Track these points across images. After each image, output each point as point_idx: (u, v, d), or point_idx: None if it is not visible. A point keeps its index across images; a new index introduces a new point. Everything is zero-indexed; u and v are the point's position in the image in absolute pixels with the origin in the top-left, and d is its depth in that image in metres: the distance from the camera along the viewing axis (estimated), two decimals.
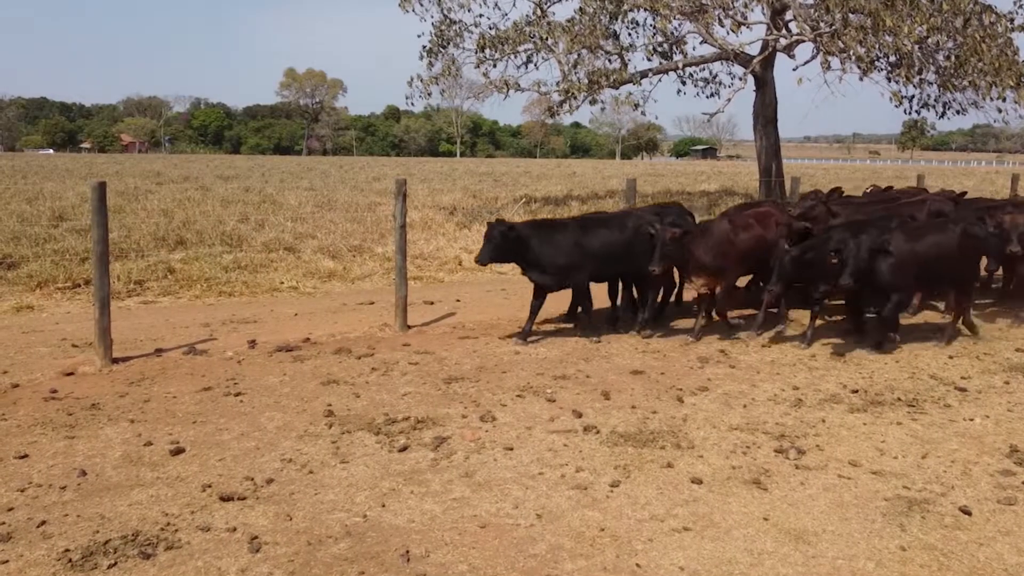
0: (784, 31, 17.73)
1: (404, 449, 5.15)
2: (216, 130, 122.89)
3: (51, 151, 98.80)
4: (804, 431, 5.60)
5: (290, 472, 4.79)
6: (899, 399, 6.34)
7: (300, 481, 4.66)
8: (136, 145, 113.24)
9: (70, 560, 3.73)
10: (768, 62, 18.69)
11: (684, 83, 21.10)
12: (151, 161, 61.45)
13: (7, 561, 3.73)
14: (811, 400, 6.30)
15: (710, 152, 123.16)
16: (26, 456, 4.97)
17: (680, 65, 19.67)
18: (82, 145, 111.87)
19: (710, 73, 21.23)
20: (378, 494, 4.50)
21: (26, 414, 5.74)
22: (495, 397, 6.26)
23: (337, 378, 6.70)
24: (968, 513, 4.37)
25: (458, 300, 10.47)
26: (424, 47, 20.32)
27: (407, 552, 3.85)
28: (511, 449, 5.18)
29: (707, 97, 21.40)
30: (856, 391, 6.54)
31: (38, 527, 4.06)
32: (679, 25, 18.95)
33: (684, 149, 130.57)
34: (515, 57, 19.39)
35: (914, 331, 8.64)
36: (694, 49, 20.12)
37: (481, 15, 20.23)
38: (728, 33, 17.90)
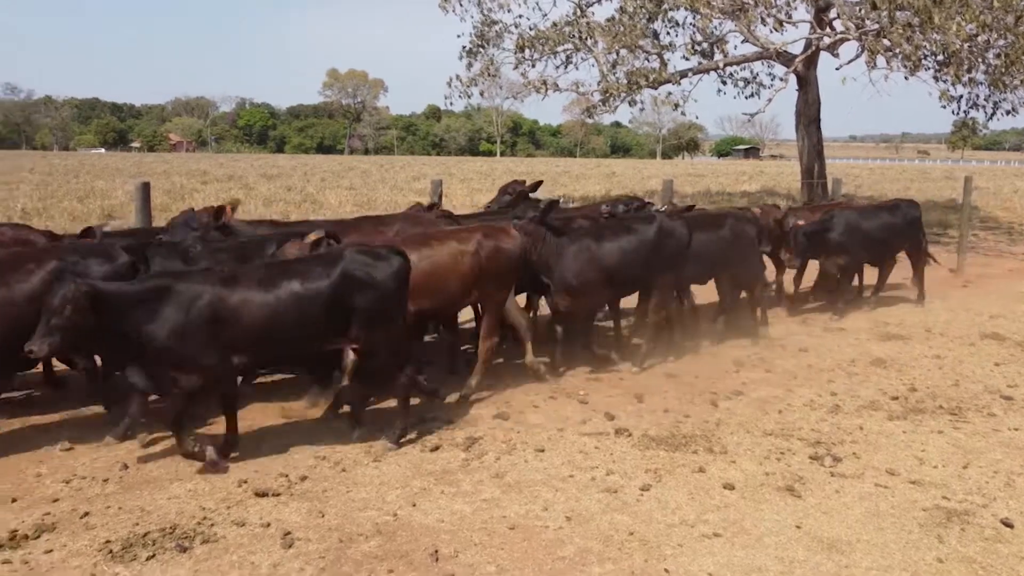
0: (828, 29, 17.42)
1: (436, 449, 5.20)
2: (261, 130, 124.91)
3: (102, 150, 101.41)
4: (841, 438, 5.51)
5: (323, 469, 4.87)
6: (941, 407, 6.20)
7: (333, 479, 4.74)
8: (183, 144, 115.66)
9: (111, 551, 3.84)
10: (811, 61, 18.37)
11: (724, 83, 20.81)
12: (197, 160, 62.75)
13: (51, 551, 3.86)
14: (849, 406, 6.19)
15: (752, 152, 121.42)
16: (71, 449, 5.13)
17: (720, 65, 19.41)
18: (132, 144, 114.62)
19: (751, 73, 20.89)
20: (409, 493, 4.55)
21: (69, 406, 5.92)
22: (527, 398, 6.27)
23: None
24: (1010, 526, 4.26)
25: None
26: (464, 47, 20.40)
27: (436, 551, 3.89)
28: (542, 451, 5.19)
29: (747, 97, 21.05)
30: (896, 398, 6.41)
31: (81, 518, 4.19)
32: (720, 24, 18.72)
33: (726, 149, 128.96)
34: (554, 57, 19.35)
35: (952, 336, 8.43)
36: (735, 48, 19.74)
37: (521, 15, 20.20)
38: (770, 32, 17.64)
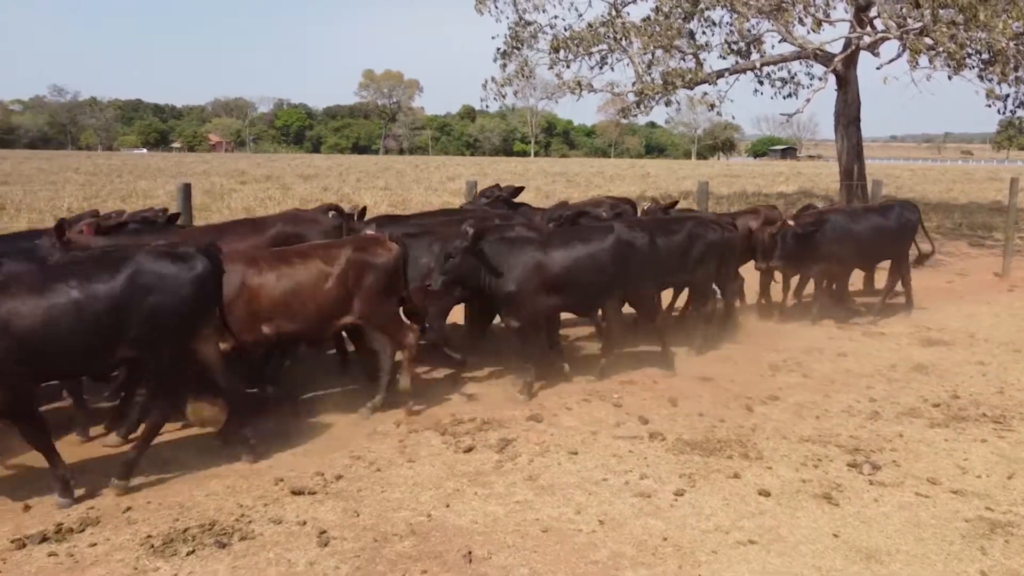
0: (868, 28, 17.12)
1: (469, 450, 5.22)
2: (298, 130, 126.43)
3: (144, 150, 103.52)
4: (880, 445, 5.41)
5: (358, 469, 4.92)
6: (984, 415, 6.06)
7: (368, 478, 4.78)
8: (222, 144, 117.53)
9: (152, 546, 3.93)
10: (851, 60, 18.07)
11: (761, 83, 20.57)
12: (236, 160, 63.73)
13: (96, 544, 3.96)
14: (888, 413, 6.09)
15: (789, 152, 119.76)
16: (113, 446, 5.24)
17: (757, 64, 19.18)
18: (173, 144, 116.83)
19: (789, 72, 20.61)
20: (443, 494, 4.57)
21: None
22: (561, 400, 6.26)
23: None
24: None
25: None
26: (498, 49, 20.43)
27: (469, 553, 3.91)
28: (575, 453, 5.19)
29: (785, 97, 20.78)
30: (938, 405, 6.28)
31: (123, 512, 4.29)
32: (757, 24, 18.50)
33: (762, 149, 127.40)
34: (589, 58, 19.29)
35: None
36: (772, 48, 19.49)
37: (556, 16, 20.13)
38: (809, 32, 17.39)
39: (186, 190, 7.47)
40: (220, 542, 3.96)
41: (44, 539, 3.97)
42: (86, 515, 4.24)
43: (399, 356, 6.09)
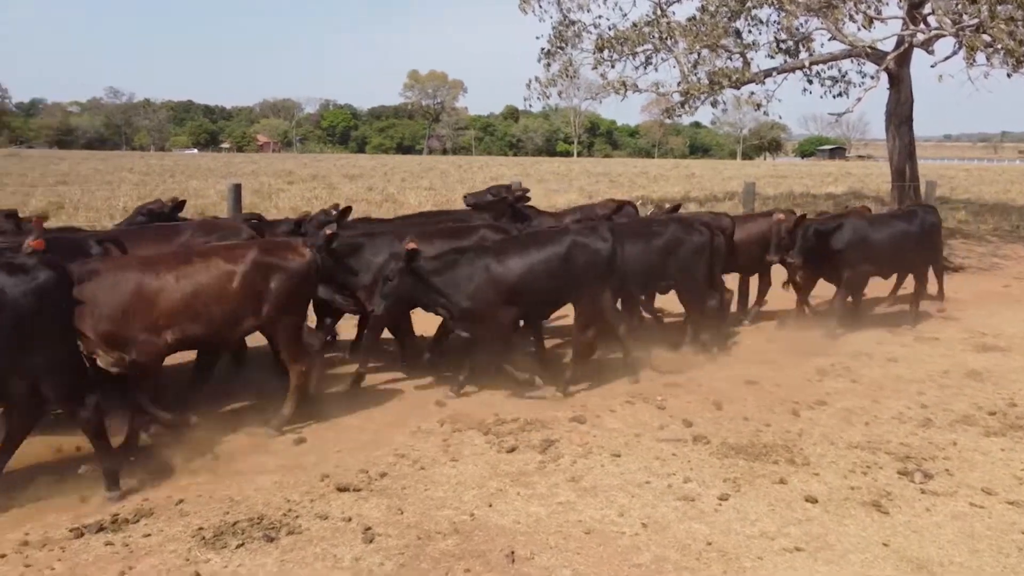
0: (922, 25, 16.71)
1: (512, 450, 5.24)
2: (343, 130, 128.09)
3: (195, 151, 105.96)
4: (932, 453, 5.28)
5: (402, 467, 4.97)
6: None
7: (411, 476, 4.83)
8: (270, 145, 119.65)
9: (203, 538, 4.03)
10: (903, 58, 17.64)
11: (810, 82, 20.19)
12: (283, 160, 64.83)
13: (150, 535, 4.07)
14: (941, 420, 5.94)
15: (838, 152, 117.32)
16: (165, 439, 5.38)
17: (806, 63, 18.85)
18: (222, 145, 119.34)
19: (839, 71, 20.19)
20: (485, 493, 4.60)
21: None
22: (604, 402, 6.25)
23: (446, 378, 6.86)
24: None
25: None
26: (542, 49, 20.42)
27: (512, 553, 3.93)
28: (618, 456, 5.17)
29: (835, 96, 20.35)
30: (993, 413, 6.10)
31: (176, 505, 4.41)
32: (806, 22, 18.18)
33: (810, 149, 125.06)
34: (633, 58, 19.17)
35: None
36: (822, 46, 19.10)
37: (600, 16, 20.04)
38: (859, 29, 17.03)
39: (236, 190, 7.66)
40: (268, 536, 4.05)
41: (101, 529, 4.10)
42: (140, 506, 4.36)
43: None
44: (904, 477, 4.88)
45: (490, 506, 4.45)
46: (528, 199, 8.58)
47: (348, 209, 7.54)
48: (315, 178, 34.73)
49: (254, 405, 6.15)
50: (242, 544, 3.98)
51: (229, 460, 5.07)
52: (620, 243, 6.68)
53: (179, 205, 7.58)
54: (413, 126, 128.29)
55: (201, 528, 4.13)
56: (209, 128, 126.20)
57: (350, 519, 4.26)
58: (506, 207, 8.16)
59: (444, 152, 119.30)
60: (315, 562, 3.84)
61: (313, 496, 4.54)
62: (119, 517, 4.22)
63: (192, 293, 5.11)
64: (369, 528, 4.15)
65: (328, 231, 6.39)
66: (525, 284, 6.25)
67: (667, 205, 9.71)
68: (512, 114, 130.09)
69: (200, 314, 5.13)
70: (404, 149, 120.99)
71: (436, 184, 31.70)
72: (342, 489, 4.61)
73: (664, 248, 7.37)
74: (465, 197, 8.50)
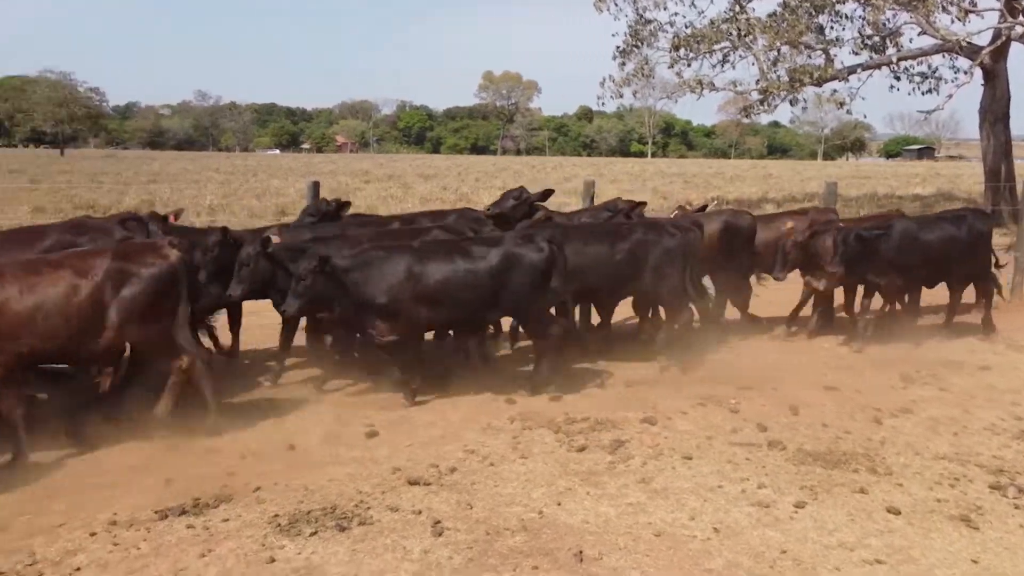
0: (1021, 17, 15.86)
1: (582, 449, 5.20)
2: (419, 131, 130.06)
3: (277, 151, 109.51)
4: None
5: (472, 463, 5.00)
6: None
7: (481, 472, 4.85)
8: (348, 145, 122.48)
9: (279, 525, 4.14)
10: (1000, 53, 16.82)
11: (898, 78, 19.42)
12: (360, 160, 66.26)
13: (228, 520, 4.21)
14: None
15: (927, 152, 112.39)
16: (244, 428, 5.56)
17: (894, 59, 18.15)
18: (303, 146, 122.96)
19: (929, 67, 19.38)
20: (554, 492, 4.58)
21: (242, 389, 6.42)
22: (675, 404, 6.14)
23: (517, 375, 6.88)
24: None
25: None
26: (617, 47, 20.28)
27: (580, 552, 3.90)
28: (690, 458, 5.07)
29: (924, 93, 19.54)
30: None
31: (253, 492, 4.54)
32: (894, 16, 17.51)
33: (896, 149, 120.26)
34: (710, 56, 18.85)
35: None
36: (911, 41, 18.37)
37: (676, 13, 19.75)
38: (953, 22, 16.30)
39: (315, 187, 7.87)
40: (340, 525, 4.13)
41: (183, 512, 4.26)
42: (220, 492, 4.51)
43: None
44: (996, 491, 4.63)
45: (559, 504, 4.43)
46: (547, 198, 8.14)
47: (347, 203, 7.70)
48: (391, 178, 35.38)
49: (328, 398, 6.30)
50: (315, 532, 4.07)
51: (305, 451, 5.20)
52: (581, 248, 6.61)
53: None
54: (487, 127, 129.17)
55: (277, 515, 4.24)
56: (290, 129, 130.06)
57: (420, 512, 4.31)
58: (527, 208, 7.77)
59: (518, 152, 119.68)
60: (385, 553, 3.89)
61: (384, 488, 4.61)
62: (200, 501, 4.37)
63: (37, 305, 4.81)
64: (438, 522, 4.19)
65: (266, 236, 6.28)
66: (444, 290, 6.03)
67: (692, 204, 9.33)
68: (586, 114, 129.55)
69: (47, 327, 4.83)
70: (478, 150, 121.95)
71: (509, 183, 31.82)
72: (413, 482, 4.67)
73: (632, 252, 7.00)
74: (488, 208, 8.03)
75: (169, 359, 5.36)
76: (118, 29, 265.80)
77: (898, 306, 8.41)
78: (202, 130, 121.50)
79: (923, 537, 4.10)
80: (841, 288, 8.47)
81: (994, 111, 17.60)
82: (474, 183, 31.95)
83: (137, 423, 5.30)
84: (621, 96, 20.46)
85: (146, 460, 5.00)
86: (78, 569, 3.74)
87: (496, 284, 6.15)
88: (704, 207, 9.24)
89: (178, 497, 4.44)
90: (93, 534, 4.04)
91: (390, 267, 5.99)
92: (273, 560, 3.81)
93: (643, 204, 8.61)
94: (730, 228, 8.18)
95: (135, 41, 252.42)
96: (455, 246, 6.35)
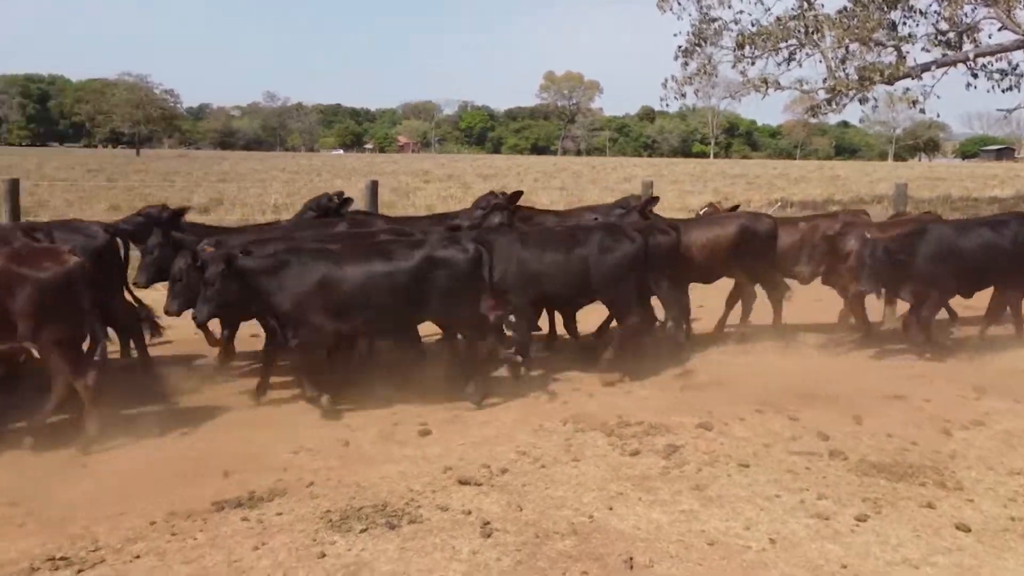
0: None
1: (635, 454, 5.12)
2: (480, 131, 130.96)
3: (341, 151, 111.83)
4: None
5: (523, 464, 4.97)
6: None
7: (532, 474, 4.82)
8: (410, 145, 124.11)
9: (330, 520, 4.18)
10: None
11: (975, 76, 18.64)
12: (421, 160, 67.06)
13: (281, 513, 4.28)
14: None
15: (1006, 152, 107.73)
16: (299, 424, 5.65)
17: (971, 56, 17.44)
18: (366, 146, 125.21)
19: (1009, 63, 18.54)
20: (606, 496, 4.52)
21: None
22: (732, 409, 6.00)
23: (570, 377, 6.82)
24: None
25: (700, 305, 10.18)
26: (680, 47, 20.01)
27: (631, 559, 3.83)
28: (746, 466, 4.94)
29: (1003, 91, 18.72)
30: None
31: (307, 487, 4.61)
32: (972, 10, 16.82)
33: (973, 150, 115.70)
34: (776, 54, 18.43)
35: None
36: (990, 37, 17.62)
37: (741, 11, 19.33)
38: None
39: (373, 187, 7.98)
40: (390, 523, 4.15)
41: (239, 505, 4.35)
42: (275, 486, 4.59)
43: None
44: None
45: (610, 509, 4.36)
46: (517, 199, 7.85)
47: (349, 199, 7.67)
48: (451, 177, 35.66)
49: (385, 396, 6.36)
50: (366, 529, 4.10)
51: (358, 448, 5.26)
52: (538, 254, 6.50)
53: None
54: (548, 127, 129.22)
55: (329, 511, 4.29)
56: (354, 130, 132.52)
57: (470, 512, 4.30)
58: (504, 214, 7.46)
59: (578, 153, 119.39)
60: (434, 552, 3.90)
61: (435, 487, 4.61)
62: (255, 495, 4.46)
63: None
64: (488, 523, 4.17)
65: (207, 244, 6.13)
66: (360, 295, 5.81)
67: (712, 204, 9.03)
68: (648, 115, 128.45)
69: None
70: (539, 150, 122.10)
71: (568, 184, 31.78)
72: (463, 482, 4.67)
73: (586, 257, 6.72)
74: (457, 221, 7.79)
75: (66, 368, 5.16)
76: (192, 32, 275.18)
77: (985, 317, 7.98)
78: (270, 130, 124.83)
79: (995, 557, 3.90)
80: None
81: None
82: (533, 183, 31.92)
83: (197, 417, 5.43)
84: (684, 96, 20.21)
85: (205, 452, 5.13)
86: (138, 556, 3.85)
87: (419, 287, 5.93)
88: (736, 207, 8.98)
89: (234, 490, 4.53)
90: (153, 523, 4.15)
91: (301, 271, 5.77)
92: (324, 555, 3.85)
93: (656, 200, 8.39)
94: (746, 231, 7.89)
95: (208, 43, 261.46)
96: (374, 248, 6.13)
